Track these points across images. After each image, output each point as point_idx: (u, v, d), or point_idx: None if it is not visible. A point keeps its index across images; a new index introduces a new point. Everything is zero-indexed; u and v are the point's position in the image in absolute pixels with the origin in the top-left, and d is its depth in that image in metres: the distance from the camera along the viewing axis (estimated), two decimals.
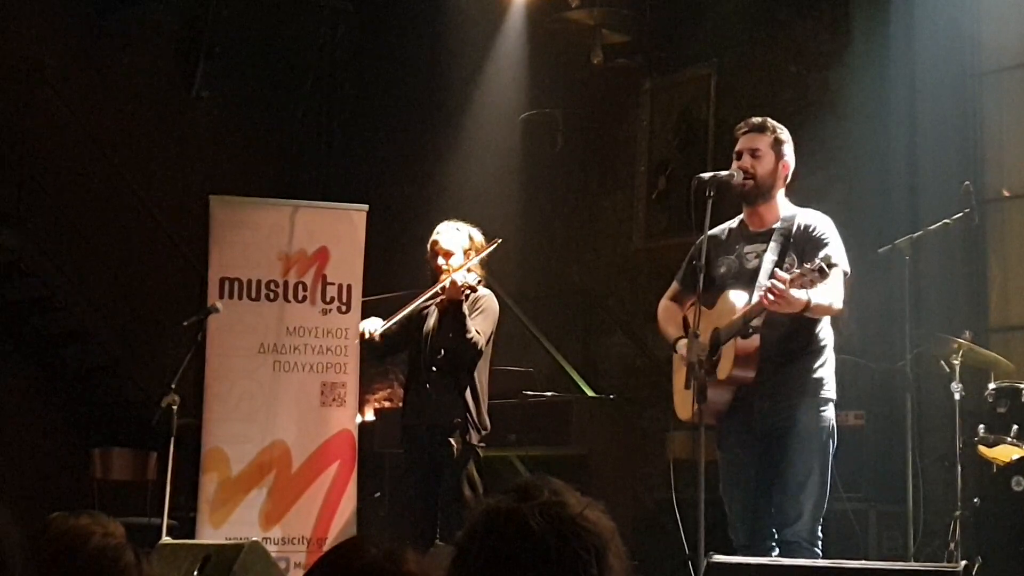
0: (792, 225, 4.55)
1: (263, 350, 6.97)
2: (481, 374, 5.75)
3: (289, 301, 7.04)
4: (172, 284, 9.38)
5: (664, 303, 4.85)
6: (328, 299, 7.07)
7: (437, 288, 5.77)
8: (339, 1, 10.96)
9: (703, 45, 8.60)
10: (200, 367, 6.89)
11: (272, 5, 10.63)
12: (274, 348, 6.98)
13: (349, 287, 7.10)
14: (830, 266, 4.11)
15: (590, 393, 8.20)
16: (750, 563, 3.93)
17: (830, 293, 4.30)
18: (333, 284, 7.09)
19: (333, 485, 6.92)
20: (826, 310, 4.37)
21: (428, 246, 5.89)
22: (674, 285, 4.85)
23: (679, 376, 4.66)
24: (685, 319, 4.68)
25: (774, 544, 4.40)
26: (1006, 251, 7.28)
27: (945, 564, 5.06)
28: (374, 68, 10.89)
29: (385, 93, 10.76)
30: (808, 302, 4.23)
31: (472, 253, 5.82)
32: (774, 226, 4.58)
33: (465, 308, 5.67)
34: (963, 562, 4.10)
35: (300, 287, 7.05)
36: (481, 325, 5.69)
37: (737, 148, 4.65)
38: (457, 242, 5.82)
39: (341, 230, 7.21)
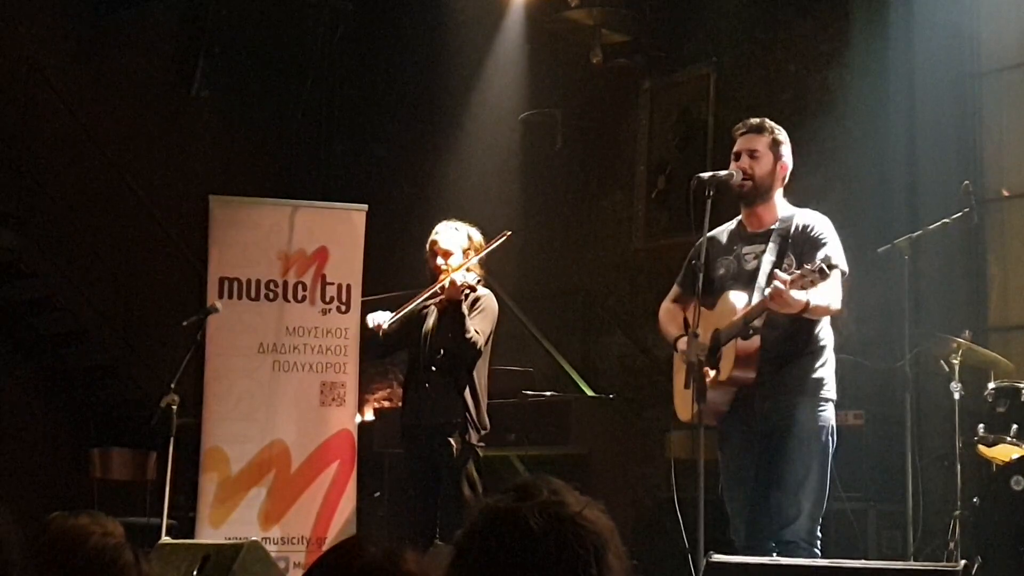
0: (790, 226, 4.55)
1: (263, 350, 6.98)
2: (480, 374, 5.75)
3: (289, 301, 7.04)
4: (172, 284, 9.39)
5: (665, 305, 4.86)
6: (328, 299, 7.08)
7: (436, 288, 5.77)
8: (339, 1, 10.96)
9: (703, 45, 8.60)
10: (200, 367, 6.90)
11: (272, 5, 10.63)
12: (274, 348, 6.99)
13: (348, 287, 7.10)
14: (830, 267, 4.11)
15: (590, 393, 8.20)
16: (750, 563, 3.93)
17: (829, 294, 4.30)
18: (332, 284, 7.10)
19: (332, 485, 6.92)
20: (825, 311, 4.38)
21: (427, 246, 5.88)
22: (675, 288, 4.86)
23: (679, 376, 4.66)
24: (686, 319, 4.68)
25: (774, 544, 4.40)
26: (1005, 251, 7.28)
27: (945, 564, 5.05)
28: (374, 68, 10.89)
29: (385, 93, 10.76)
30: (807, 303, 4.23)
31: (471, 253, 5.82)
32: (772, 227, 4.58)
33: (464, 308, 5.67)
34: (962, 561, 4.09)
35: (300, 287, 7.06)
36: (480, 325, 5.69)
37: (735, 149, 4.65)
38: (456, 242, 5.81)
39: (341, 230, 7.21)
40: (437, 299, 5.80)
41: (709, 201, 4.49)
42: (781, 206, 4.64)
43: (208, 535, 6.62)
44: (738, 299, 4.47)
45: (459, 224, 5.89)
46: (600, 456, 7.63)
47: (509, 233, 5.84)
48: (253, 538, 5.75)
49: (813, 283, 4.11)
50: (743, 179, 4.57)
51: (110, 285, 9.46)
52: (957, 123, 7.34)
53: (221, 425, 6.90)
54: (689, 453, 4.92)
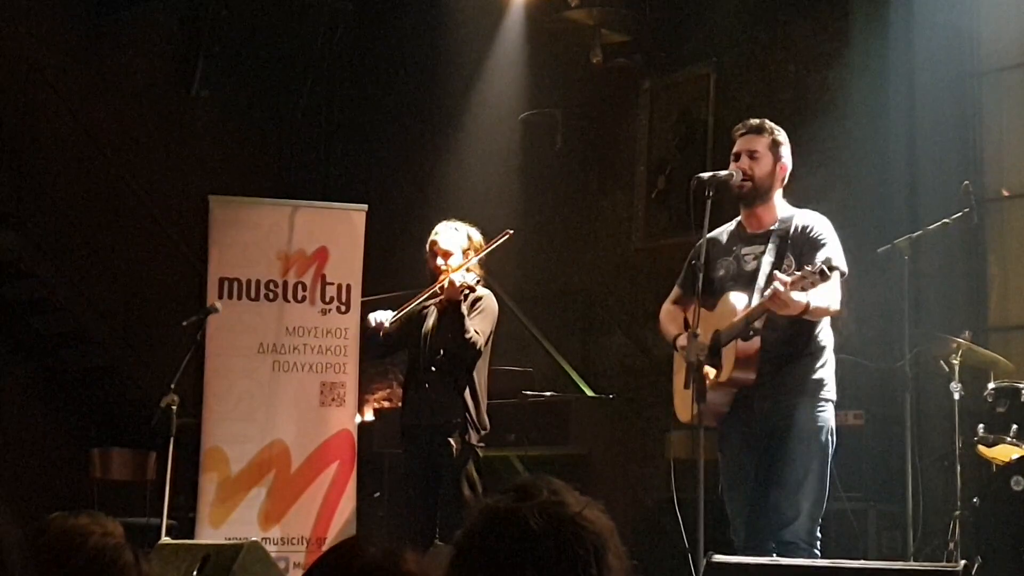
0: (790, 226, 4.55)
1: (262, 350, 6.98)
2: (480, 374, 5.74)
3: (288, 301, 7.04)
4: (172, 284, 9.39)
5: (666, 307, 4.86)
6: (327, 299, 7.08)
7: (436, 288, 5.77)
8: (339, 1, 10.96)
9: (703, 45, 8.59)
10: (199, 367, 6.90)
11: (272, 5, 10.63)
12: (273, 348, 6.99)
13: (348, 287, 7.10)
14: (831, 269, 4.11)
15: (589, 393, 8.20)
16: (750, 563, 3.93)
17: (829, 295, 4.31)
18: (332, 284, 7.10)
19: (332, 485, 6.93)
20: (824, 312, 4.38)
21: (427, 246, 5.88)
22: (675, 289, 4.86)
23: (679, 377, 4.66)
24: (686, 320, 4.68)
25: (774, 545, 4.40)
26: (1005, 251, 7.28)
27: (944, 564, 5.05)
28: (374, 68, 10.90)
29: (385, 93, 10.77)
30: (807, 305, 4.23)
31: (471, 253, 5.82)
32: (772, 228, 4.58)
33: (464, 308, 5.67)
34: (962, 562, 4.09)
35: (299, 287, 7.06)
36: (480, 325, 5.68)
37: (735, 150, 4.65)
38: (456, 242, 5.81)
39: (340, 230, 7.21)
40: (437, 299, 5.79)
41: (709, 201, 4.49)
42: (780, 207, 4.64)
43: (208, 535, 6.62)
44: (738, 300, 4.47)
45: (459, 224, 5.88)
46: (600, 456, 7.63)
47: (509, 233, 5.82)
48: (253, 538, 5.76)
49: (813, 285, 4.11)
50: (742, 180, 4.57)
51: (110, 285, 9.47)
52: (957, 123, 7.34)
53: (221, 425, 6.90)
54: (689, 453, 4.93)
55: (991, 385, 5.79)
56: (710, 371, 4.45)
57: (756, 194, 4.59)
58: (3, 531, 1.54)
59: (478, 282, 5.82)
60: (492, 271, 6.27)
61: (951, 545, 5.64)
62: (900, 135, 7.38)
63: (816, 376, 4.48)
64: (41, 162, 9.27)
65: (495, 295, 5.93)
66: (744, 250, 4.61)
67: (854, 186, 7.47)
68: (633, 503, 7.75)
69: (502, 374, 7.02)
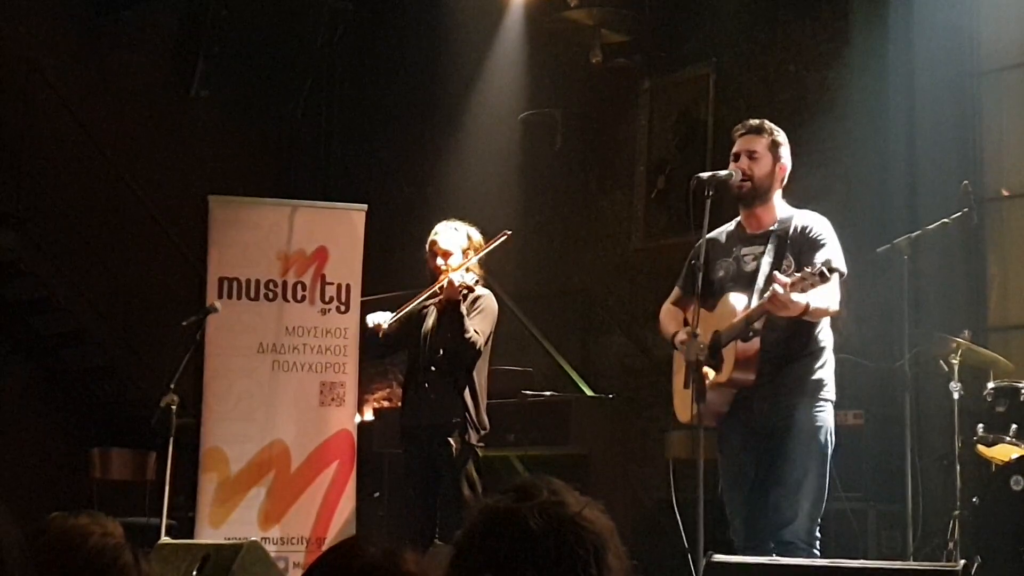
0: (789, 227, 4.55)
1: (262, 350, 6.97)
2: (480, 374, 5.75)
3: (288, 301, 7.04)
4: (171, 284, 9.38)
5: (666, 307, 4.86)
6: (327, 299, 7.08)
7: (435, 288, 5.77)
8: (339, 1, 10.96)
9: (702, 45, 8.59)
10: (199, 367, 6.90)
11: (271, 5, 10.63)
12: (273, 348, 6.99)
13: (348, 287, 7.10)
14: (831, 270, 4.11)
15: (589, 393, 8.19)
16: (750, 563, 3.93)
17: (828, 296, 4.31)
18: (332, 284, 7.09)
19: (332, 485, 6.92)
20: (824, 312, 4.39)
21: (427, 246, 5.88)
22: (675, 290, 4.86)
23: (679, 377, 4.66)
24: (686, 320, 4.68)
25: (773, 544, 4.40)
26: (1005, 251, 7.28)
27: (944, 563, 5.06)
28: (374, 68, 10.89)
29: (385, 93, 10.76)
30: (807, 306, 4.23)
31: (471, 253, 5.82)
32: (771, 228, 4.59)
33: (463, 308, 5.67)
34: (962, 561, 4.09)
35: (299, 287, 7.06)
36: (480, 325, 5.68)
37: (734, 150, 4.65)
38: (455, 242, 5.81)
39: (340, 230, 7.21)
40: (436, 299, 5.79)
41: (709, 201, 4.50)
42: (780, 207, 4.64)
43: (208, 535, 6.62)
44: (738, 301, 4.47)
45: (459, 224, 5.89)
46: (600, 456, 7.63)
47: (509, 233, 5.83)
48: (253, 538, 5.75)
49: (813, 286, 4.11)
50: (742, 180, 4.57)
51: (110, 285, 9.47)
52: (957, 123, 7.34)
53: (221, 425, 6.90)
54: (689, 453, 4.94)
55: (991, 385, 5.79)
56: (710, 372, 4.45)
57: (755, 194, 4.59)
58: (3, 531, 1.54)
59: (477, 282, 5.82)
60: (492, 271, 6.27)
61: (951, 545, 5.64)
62: (900, 135, 7.38)
63: (815, 376, 4.48)
64: (41, 162, 9.27)
65: (495, 295, 5.93)
66: (743, 251, 4.61)
67: (854, 186, 7.46)
68: (633, 503, 7.75)
69: (502, 374, 7.02)
